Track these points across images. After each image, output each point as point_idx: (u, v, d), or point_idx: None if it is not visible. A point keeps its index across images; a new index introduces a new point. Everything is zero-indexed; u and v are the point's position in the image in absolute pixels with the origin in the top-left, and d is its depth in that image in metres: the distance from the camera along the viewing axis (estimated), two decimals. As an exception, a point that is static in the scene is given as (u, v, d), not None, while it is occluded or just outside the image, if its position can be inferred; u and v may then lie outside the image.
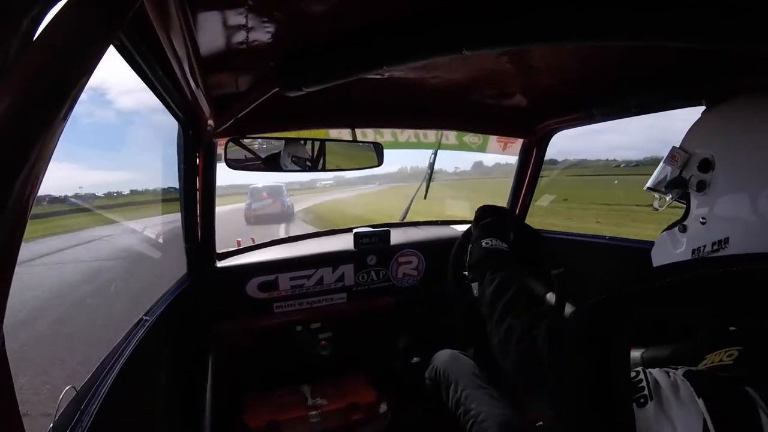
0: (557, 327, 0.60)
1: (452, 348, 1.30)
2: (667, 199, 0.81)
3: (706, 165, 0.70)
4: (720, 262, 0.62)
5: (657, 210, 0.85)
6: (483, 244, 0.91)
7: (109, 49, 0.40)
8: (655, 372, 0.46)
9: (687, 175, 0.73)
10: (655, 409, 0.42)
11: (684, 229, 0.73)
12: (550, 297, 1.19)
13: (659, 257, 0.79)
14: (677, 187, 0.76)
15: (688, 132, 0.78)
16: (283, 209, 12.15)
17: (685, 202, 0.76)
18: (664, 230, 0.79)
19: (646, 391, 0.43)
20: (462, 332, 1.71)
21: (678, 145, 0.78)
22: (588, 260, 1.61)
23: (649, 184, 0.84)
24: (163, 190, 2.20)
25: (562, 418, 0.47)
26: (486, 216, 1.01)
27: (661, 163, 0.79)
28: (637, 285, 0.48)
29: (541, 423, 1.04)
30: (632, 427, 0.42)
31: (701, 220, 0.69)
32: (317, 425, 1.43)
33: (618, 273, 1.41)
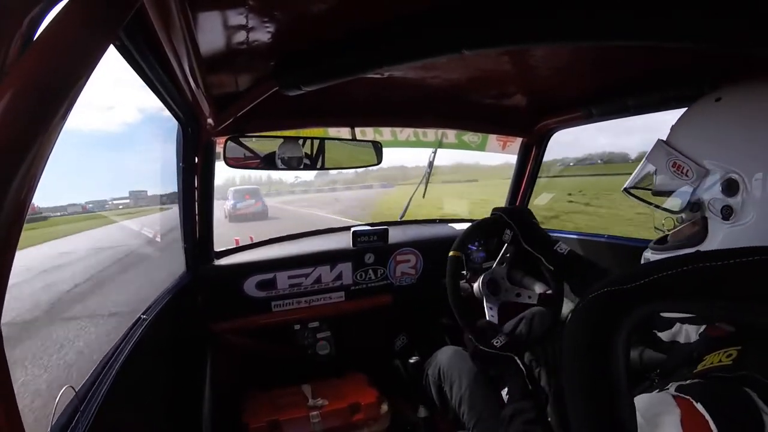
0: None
1: (455, 345, 1.29)
2: (676, 220, 0.67)
3: (733, 187, 0.57)
4: (724, 254, 0.58)
5: (662, 230, 0.69)
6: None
7: (109, 48, 0.40)
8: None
9: (705, 196, 0.60)
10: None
11: None
12: (539, 289, 1.23)
13: None
14: (692, 209, 0.63)
15: (684, 129, 0.67)
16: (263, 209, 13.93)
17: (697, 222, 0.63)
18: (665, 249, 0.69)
19: None
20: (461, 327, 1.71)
21: (663, 139, 0.65)
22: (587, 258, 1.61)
23: (630, 184, 0.71)
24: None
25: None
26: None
27: (650, 164, 0.68)
28: (634, 279, 0.46)
29: None
30: None
31: None
32: (318, 425, 1.42)
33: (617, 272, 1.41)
